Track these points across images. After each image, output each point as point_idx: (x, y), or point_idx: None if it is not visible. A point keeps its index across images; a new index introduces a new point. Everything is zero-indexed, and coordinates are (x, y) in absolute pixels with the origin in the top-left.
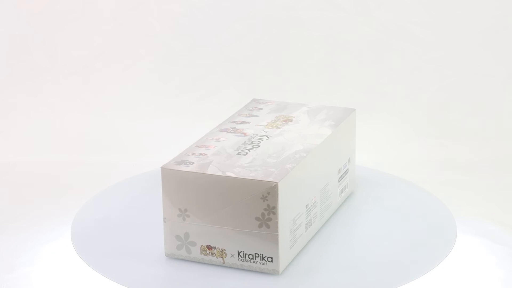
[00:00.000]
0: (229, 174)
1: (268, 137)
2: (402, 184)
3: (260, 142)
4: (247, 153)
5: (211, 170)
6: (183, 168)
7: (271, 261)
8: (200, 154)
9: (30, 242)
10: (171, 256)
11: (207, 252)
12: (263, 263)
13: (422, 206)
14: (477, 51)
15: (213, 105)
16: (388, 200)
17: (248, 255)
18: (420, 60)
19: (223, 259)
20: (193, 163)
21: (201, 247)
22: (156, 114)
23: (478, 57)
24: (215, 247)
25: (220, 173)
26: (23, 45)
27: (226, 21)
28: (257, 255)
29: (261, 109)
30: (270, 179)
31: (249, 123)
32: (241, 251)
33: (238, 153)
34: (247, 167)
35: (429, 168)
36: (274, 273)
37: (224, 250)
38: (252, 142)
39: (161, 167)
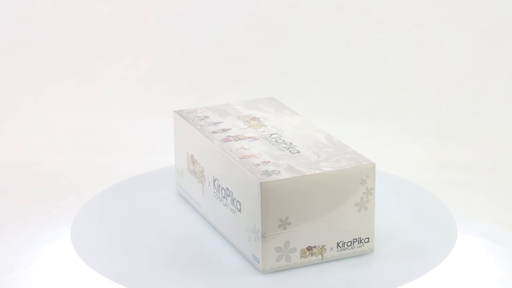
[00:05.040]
0: (326, 169)
1: (279, 135)
2: (402, 184)
3: (283, 140)
4: (298, 151)
5: (308, 171)
6: (281, 177)
7: (368, 241)
8: (262, 162)
9: (30, 242)
10: (270, 271)
11: (307, 253)
12: (360, 246)
13: (422, 206)
14: (477, 52)
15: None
16: (388, 200)
17: (347, 243)
18: (420, 60)
19: (322, 256)
20: (279, 171)
21: (301, 250)
22: (156, 114)
23: (478, 58)
24: (315, 246)
25: (318, 171)
26: (24, 45)
27: (226, 21)
28: (355, 240)
29: (207, 116)
30: (365, 162)
31: (230, 129)
32: (340, 241)
33: (290, 152)
34: (326, 160)
35: (429, 168)
36: (370, 252)
37: (324, 246)
38: (276, 142)
39: (261, 183)
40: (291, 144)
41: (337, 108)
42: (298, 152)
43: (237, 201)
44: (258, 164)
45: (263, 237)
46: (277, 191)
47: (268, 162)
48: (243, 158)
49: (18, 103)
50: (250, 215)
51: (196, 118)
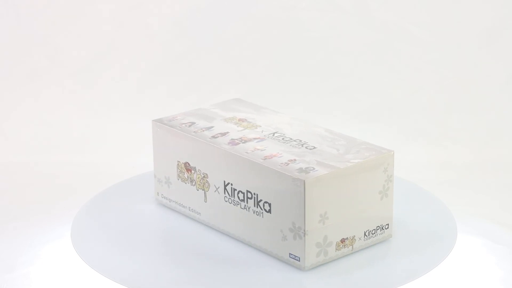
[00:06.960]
0: (355, 161)
1: (282, 134)
2: (402, 184)
3: (290, 138)
4: (314, 147)
5: (340, 165)
6: (319, 173)
7: (387, 228)
8: (289, 161)
9: (30, 242)
10: (311, 267)
11: (341, 246)
12: (381, 233)
13: (422, 206)
14: (477, 52)
15: None
16: None
17: (371, 231)
18: (420, 60)
19: (352, 246)
20: (313, 168)
21: (336, 243)
22: (156, 115)
23: (478, 58)
24: (347, 238)
25: (349, 164)
26: (23, 46)
27: (226, 22)
28: (378, 228)
29: (193, 122)
30: (384, 151)
31: (228, 132)
32: (366, 230)
33: (307, 149)
34: (347, 152)
35: (429, 168)
36: (389, 237)
37: (354, 236)
38: (284, 140)
39: (305, 180)
40: (301, 141)
41: (337, 108)
42: (315, 147)
43: (265, 202)
44: (286, 163)
45: (305, 234)
46: (319, 187)
47: (295, 160)
48: (265, 159)
49: (18, 104)
50: (286, 214)
51: (183, 125)
